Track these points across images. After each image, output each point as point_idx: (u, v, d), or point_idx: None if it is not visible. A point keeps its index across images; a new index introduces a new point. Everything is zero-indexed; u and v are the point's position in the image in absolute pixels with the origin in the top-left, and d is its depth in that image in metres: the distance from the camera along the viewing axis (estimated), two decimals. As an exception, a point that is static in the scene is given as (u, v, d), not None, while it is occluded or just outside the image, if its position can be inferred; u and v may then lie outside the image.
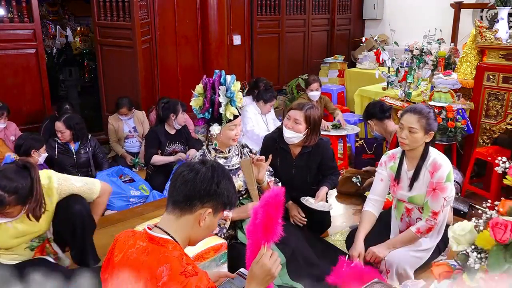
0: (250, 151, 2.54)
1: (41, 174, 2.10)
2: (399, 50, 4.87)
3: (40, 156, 3.30)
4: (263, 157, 2.34)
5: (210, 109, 2.22)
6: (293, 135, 2.60)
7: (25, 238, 2.15)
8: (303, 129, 2.58)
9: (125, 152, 4.55)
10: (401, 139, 2.25)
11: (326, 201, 2.76)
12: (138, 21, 4.70)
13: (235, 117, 2.25)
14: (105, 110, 5.19)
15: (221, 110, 2.20)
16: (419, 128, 2.20)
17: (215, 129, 2.24)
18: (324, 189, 2.64)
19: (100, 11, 4.89)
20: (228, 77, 2.21)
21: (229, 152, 2.39)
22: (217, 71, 2.23)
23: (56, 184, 2.18)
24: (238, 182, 2.36)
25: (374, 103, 3.60)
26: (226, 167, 2.34)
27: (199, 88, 2.23)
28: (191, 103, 2.26)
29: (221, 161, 2.35)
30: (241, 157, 2.43)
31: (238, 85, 2.23)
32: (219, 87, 2.18)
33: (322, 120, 4.66)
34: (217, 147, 2.36)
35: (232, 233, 2.36)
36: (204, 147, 2.40)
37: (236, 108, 2.24)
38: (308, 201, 2.59)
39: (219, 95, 2.18)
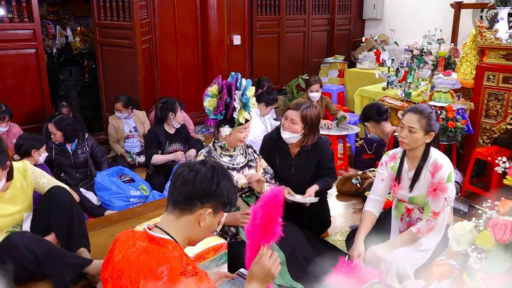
0: (254, 151, 2.57)
1: (16, 163, 2.40)
2: (399, 50, 4.87)
3: (41, 155, 3.31)
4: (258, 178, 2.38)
5: (223, 112, 2.25)
6: (290, 136, 2.61)
7: (7, 219, 2.28)
8: (300, 129, 2.59)
9: (125, 151, 4.56)
10: (401, 138, 2.25)
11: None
12: (138, 21, 4.71)
13: (246, 121, 2.28)
14: (105, 110, 5.19)
15: (235, 114, 2.23)
16: (419, 128, 2.20)
17: (225, 130, 2.28)
18: (314, 187, 2.64)
19: (100, 11, 4.89)
20: (244, 82, 2.23)
21: (234, 151, 2.42)
22: (233, 73, 2.24)
23: (29, 167, 2.45)
24: (242, 179, 2.38)
25: (371, 106, 3.60)
26: (231, 164, 2.37)
27: (214, 89, 2.24)
28: (204, 104, 2.26)
29: (226, 159, 2.39)
30: (245, 157, 2.46)
31: (253, 90, 2.26)
32: (235, 92, 2.20)
33: (326, 118, 4.68)
34: (223, 146, 2.39)
35: (234, 230, 2.37)
36: (211, 144, 2.43)
37: (249, 112, 2.27)
38: (294, 197, 2.58)
39: (234, 100, 2.20)
